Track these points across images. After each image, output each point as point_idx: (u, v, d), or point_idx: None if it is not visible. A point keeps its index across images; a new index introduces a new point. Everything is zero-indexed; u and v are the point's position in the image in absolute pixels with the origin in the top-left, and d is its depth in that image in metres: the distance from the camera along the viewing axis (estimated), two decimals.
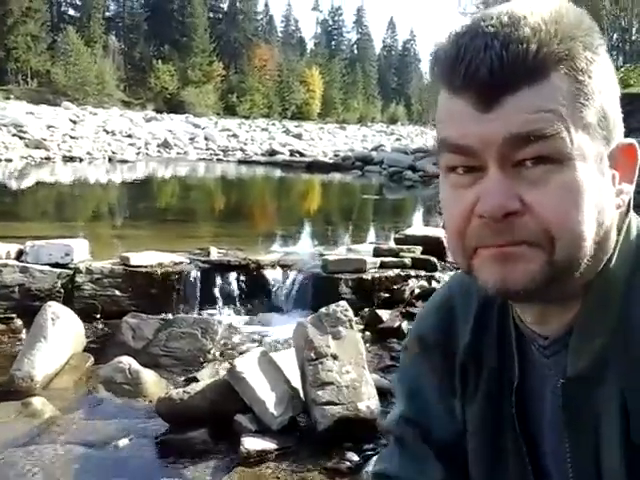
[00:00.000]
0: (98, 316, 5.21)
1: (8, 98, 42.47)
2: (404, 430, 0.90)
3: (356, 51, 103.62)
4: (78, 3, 70.92)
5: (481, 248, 0.67)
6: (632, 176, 0.71)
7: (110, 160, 21.57)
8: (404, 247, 6.11)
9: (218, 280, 5.62)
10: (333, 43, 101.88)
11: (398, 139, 37.10)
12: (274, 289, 5.64)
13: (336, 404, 3.54)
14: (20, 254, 5.39)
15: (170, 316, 5.18)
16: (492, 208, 0.64)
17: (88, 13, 66.61)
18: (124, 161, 21.58)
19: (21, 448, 3.35)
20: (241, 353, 4.49)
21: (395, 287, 5.53)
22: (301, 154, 26.33)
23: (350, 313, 3.93)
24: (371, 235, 9.69)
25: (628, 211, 0.73)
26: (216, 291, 5.58)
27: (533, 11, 0.65)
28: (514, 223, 0.64)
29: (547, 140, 0.63)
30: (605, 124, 0.67)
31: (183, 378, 4.32)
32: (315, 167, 22.17)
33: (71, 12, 72.75)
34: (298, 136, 35.18)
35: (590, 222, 0.65)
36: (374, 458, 2.63)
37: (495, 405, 0.80)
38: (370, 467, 2.84)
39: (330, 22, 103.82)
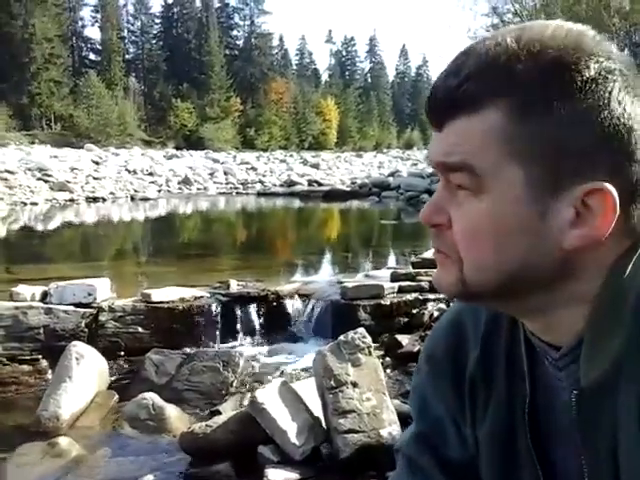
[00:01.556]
0: (122, 353, 5.23)
1: (33, 143, 43.33)
2: (414, 449, 0.89)
3: (370, 79, 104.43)
4: (98, 48, 72.46)
5: None
6: (607, 217, 0.66)
7: (132, 199, 21.81)
8: (421, 271, 6.08)
9: (238, 312, 5.63)
10: (347, 73, 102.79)
11: (414, 164, 37.10)
12: (294, 318, 5.64)
13: (358, 432, 3.51)
14: (45, 295, 5.43)
15: (192, 350, 5.18)
16: (422, 217, 0.71)
17: (108, 57, 67.98)
18: (146, 199, 21.81)
19: None
20: (263, 384, 4.48)
21: (414, 311, 5.50)
22: (319, 183, 26.43)
23: (368, 340, 3.90)
24: (390, 260, 9.67)
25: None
26: (237, 323, 5.59)
27: (495, 44, 0.65)
28: (440, 235, 0.70)
29: (460, 173, 0.66)
30: (553, 165, 0.64)
31: (206, 412, 4.31)
32: (333, 196, 22.25)
33: (92, 56, 74.34)
34: (315, 166, 35.36)
35: (501, 254, 0.67)
36: None
37: (506, 421, 0.79)
38: None
39: (343, 53, 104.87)
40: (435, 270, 0.74)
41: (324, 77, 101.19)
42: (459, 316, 0.87)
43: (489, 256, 0.67)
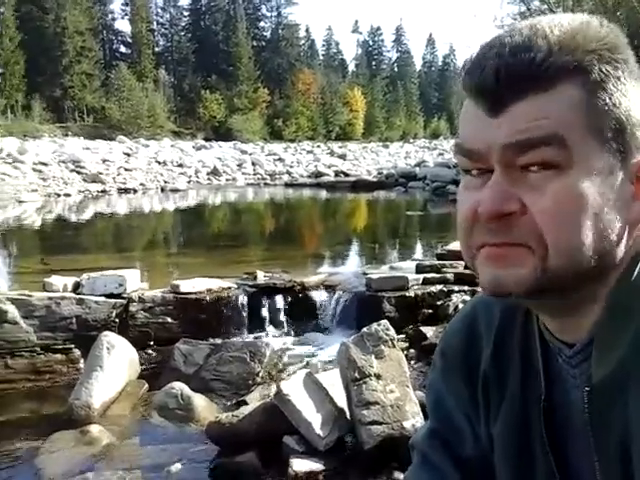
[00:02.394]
0: (151, 343, 5.29)
1: (66, 135, 43.87)
2: (428, 445, 0.89)
3: (396, 69, 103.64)
4: (129, 40, 72.92)
5: (482, 248, 0.68)
6: None
7: (162, 190, 21.99)
8: (446, 263, 6.05)
9: (265, 303, 5.66)
10: (374, 63, 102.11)
11: (441, 154, 36.81)
12: (319, 309, 5.66)
13: (381, 423, 3.52)
14: (77, 286, 5.49)
15: (219, 341, 5.23)
16: (489, 208, 0.65)
17: (138, 49, 68.41)
18: (176, 190, 21.97)
19: (80, 476, 3.42)
20: (289, 375, 4.51)
21: (438, 303, 5.48)
22: (346, 174, 26.39)
23: (392, 332, 3.90)
24: (416, 251, 9.64)
25: None
26: (263, 314, 5.63)
27: (554, 24, 0.66)
28: (511, 224, 0.65)
29: (547, 147, 0.63)
30: (621, 138, 0.66)
31: (233, 401, 4.36)
32: (359, 186, 22.21)
33: (122, 49, 74.88)
34: (342, 157, 35.27)
35: (587, 233, 0.64)
36: None
37: (521, 419, 0.78)
38: None
39: (370, 42, 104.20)
40: (487, 269, 0.67)
41: (351, 67, 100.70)
42: (472, 313, 0.87)
43: (578, 234, 0.64)
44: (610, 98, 0.65)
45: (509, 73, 0.63)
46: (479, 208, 0.66)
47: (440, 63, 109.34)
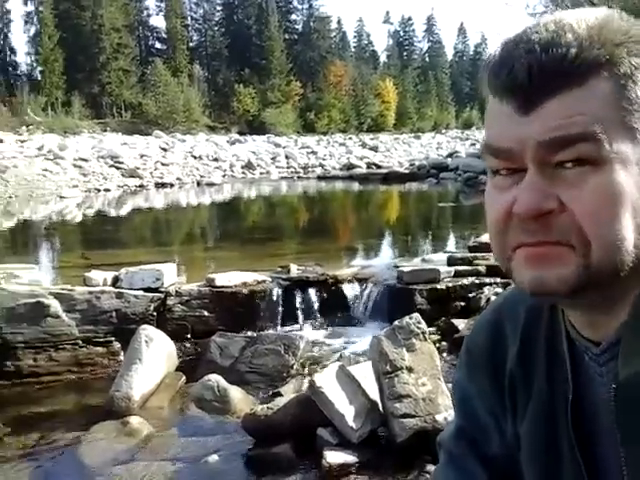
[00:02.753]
0: (188, 336, 5.35)
1: (105, 130, 44.44)
2: (455, 444, 0.89)
3: (428, 59, 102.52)
4: (164, 36, 73.43)
5: (518, 249, 0.66)
6: None
7: (198, 184, 22.16)
8: (478, 255, 6.00)
9: (298, 296, 5.69)
10: (405, 53, 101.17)
11: (473, 144, 36.34)
12: (351, 302, 5.67)
13: (413, 416, 3.52)
14: (116, 280, 5.57)
15: (254, 333, 5.28)
16: (527, 207, 0.63)
17: (173, 45, 68.85)
18: (211, 184, 22.11)
19: (121, 465, 3.50)
20: (322, 367, 4.53)
21: (470, 295, 5.44)
22: (377, 166, 26.26)
23: (423, 325, 3.89)
24: (448, 243, 9.57)
25: None
26: (297, 307, 5.66)
27: (580, 18, 0.65)
28: (549, 223, 0.63)
29: (583, 143, 0.62)
30: None
31: (268, 394, 4.39)
32: (391, 178, 22.09)
33: (157, 45, 75.38)
34: (374, 148, 35.10)
35: (628, 226, 0.63)
36: None
37: (548, 417, 0.78)
38: None
39: (401, 33, 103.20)
40: (526, 270, 0.66)
41: (382, 58, 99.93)
42: (498, 312, 0.86)
43: (620, 228, 0.63)
44: (638, 90, 0.64)
45: (542, 70, 0.62)
46: (515, 208, 0.64)
47: (472, 52, 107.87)
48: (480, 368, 0.86)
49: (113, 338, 5.18)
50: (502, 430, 0.84)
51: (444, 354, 4.65)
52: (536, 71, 0.62)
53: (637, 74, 0.64)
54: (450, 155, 27.19)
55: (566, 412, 0.75)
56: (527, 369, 0.80)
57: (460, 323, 5.02)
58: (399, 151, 34.97)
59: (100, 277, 5.57)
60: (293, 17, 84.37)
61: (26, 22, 62.12)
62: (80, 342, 5.08)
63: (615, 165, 0.63)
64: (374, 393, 3.75)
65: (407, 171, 23.76)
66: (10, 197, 17.21)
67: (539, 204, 0.63)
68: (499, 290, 5.41)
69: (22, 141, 26.34)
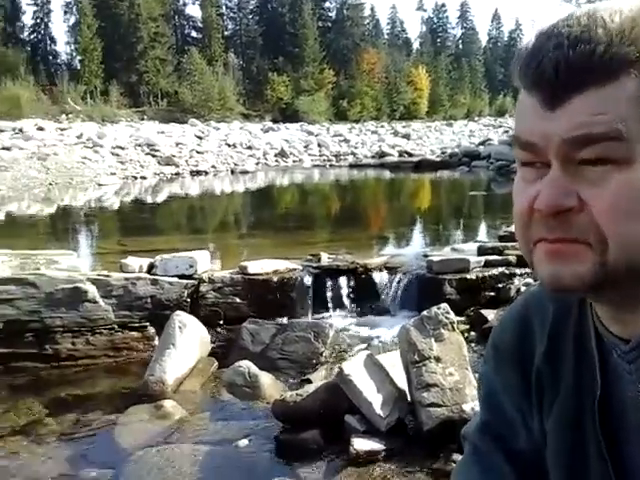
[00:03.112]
0: (221, 322, 5.40)
1: (142, 119, 44.88)
2: (480, 438, 0.89)
3: (461, 46, 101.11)
4: (199, 25, 73.66)
5: (539, 243, 0.66)
6: None
7: (232, 172, 22.22)
8: (509, 245, 5.93)
9: (329, 284, 5.69)
10: (438, 40, 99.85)
11: (506, 131, 35.75)
12: (381, 291, 5.65)
13: (440, 406, 3.52)
14: (151, 267, 5.63)
15: (285, 321, 5.30)
16: (546, 203, 0.63)
17: (209, 34, 69.03)
18: (245, 172, 22.17)
19: (155, 447, 3.57)
20: (351, 355, 4.55)
21: (500, 286, 5.39)
22: (409, 154, 26.01)
23: (452, 315, 3.87)
24: (479, 232, 9.47)
25: None
26: (327, 295, 5.66)
27: (614, 11, 0.63)
28: (569, 220, 0.63)
29: (606, 142, 0.61)
30: None
31: (298, 380, 4.43)
32: (423, 166, 21.86)
33: (193, 34, 75.63)
34: (406, 136, 34.78)
35: None
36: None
37: (575, 414, 0.77)
38: None
39: (435, 20, 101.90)
40: (545, 265, 0.65)
41: (415, 45, 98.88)
42: (525, 308, 0.86)
43: (638, 229, 0.62)
44: None
45: (569, 66, 0.61)
46: (536, 203, 0.64)
47: (506, 39, 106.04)
48: (507, 363, 0.86)
49: (148, 323, 5.25)
50: (528, 426, 0.84)
51: (472, 344, 4.62)
52: (563, 67, 0.61)
53: None
54: (482, 143, 26.82)
55: (593, 410, 0.74)
56: (555, 366, 0.80)
57: (489, 313, 4.98)
58: (431, 139, 34.62)
59: (136, 264, 5.63)
60: (326, 5, 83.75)
61: (65, 12, 63.06)
62: (116, 327, 5.16)
63: (638, 165, 0.61)
64: (402, 382, 3.75)
65: (439, 159, 23.49)
66: (50, 184, 17.50)
67: (559, 201, 0.63)
68: (529, 281, 5.34)
69: (62, 129, 26.72)
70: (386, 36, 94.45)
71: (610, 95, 0.61)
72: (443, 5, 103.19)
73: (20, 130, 24.43)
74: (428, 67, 79.50)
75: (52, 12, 67.33)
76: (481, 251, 5.94)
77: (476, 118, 62.53)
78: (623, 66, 0.61)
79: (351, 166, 24.48)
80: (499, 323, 0.92)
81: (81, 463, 3.45)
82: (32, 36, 65.11)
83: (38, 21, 64.91)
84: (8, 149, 19.97)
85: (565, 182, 0.63)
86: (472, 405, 3.45)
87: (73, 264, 5.60)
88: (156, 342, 5.06)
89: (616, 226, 0.62)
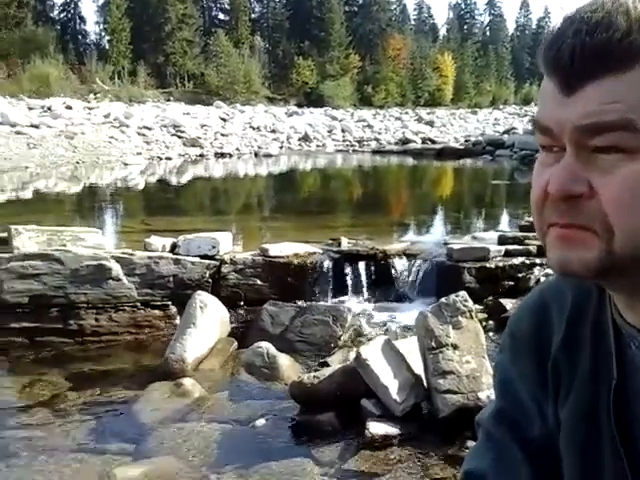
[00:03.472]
0: (241, 303, 5.42)
1: (168, 100, 44.99)
2: (495, 426, 0.88)
3: (488, 33, 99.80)
4: (227, 7, 73.49)
5: (551, 227, 0.66)
6: None
7: (256, 155, 22.20)
8: (530, 234, 5.87)
9: (348, 269, 5.68)
10: (465, 27, 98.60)
11: (531, 120, 35.28)
12: (400, 278, 5.64)
13: (456, 393, 3.52)
14: (174, 247, 5.65)
15: (305, 303, 5.32)
16: (556, 188, 0.63)
17: (236, 16, 68.82)
18: (268, 155, 22.14)
19: (173, 424, 3.62)
20: (369, 339, 4.55)
21: (519, 275, 5.35)
22: (432, 141, 25.81)
23: (470, 303, 3.86)
24: (501, 222, 9.39)
25: None
26: (346, 280, 5.66)
27: None
28: (578, 206, 0.63)
29: (619, 131, 0.61)
30: None
31: (315, 363, 4.45)
32: (446, 154, 21.65)
33: (221, 16, 75.48)
34: (430, 123, 34.48)
35: None
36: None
37: (590, 405, 0.77)
38: None
39: (462, 6, 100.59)
40: (555, 250, 0.66)
41: (442, 32, 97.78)
42: (544, 297, 0.85)
43: None
44: None
45: (584, 53, 0.61)
46: (548, 187, 0.64)
47: (534, 26, 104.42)
48: (523, 351, 0.85)
49: (170, 302, 5.29)
50: (543, 414, 0.83)
51: (490, 333, 4.60)
52: (578, 54, 0.61)
53: None
54: (507, 132, 26.51)
55: (608, 400, 0.74)
56: (572, 354, 0.79)
57: (508, 303, 4.95)
58: (455, 126, 34.29)
59: (159, 243, 5.67)
60: None
61: None
62: (139, 304, 5.21)
63: None
64: (419, 368, 3.75)
65: (462, 147, 23.24)
66: (77, 162, 17.65)
67: (568, 186, 0.63)
68: (549, 271, 5.29)
69: (90, 108, 26.91)
70: (413, 22, 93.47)
71: (625, 84, 0.60)
72: None
73: (49, 108, 24.65)
74: (454, 54, 78.57)
75: None
76: (501, 240, 5.89)
77: (501, 106, 61.73)
78: (639, 55, 0.60)
79: (374, 152, 24.35)
80: (516, 311, 0.91)
81: (101, 436, 3.51)
82: (62, 15, 65.47)
83: (68, 0, 65.17)
84: (37, 127, 20.17)
85: (577, 168, 0.63)
86: (488, 393, 3.45)
87: (98, 242, 5.65)
88: (177, 321, 5.10)
89: (623, 216, 0.62)
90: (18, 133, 19.01)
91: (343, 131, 29.33)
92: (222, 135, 24.60)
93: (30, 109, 24.25)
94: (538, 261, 5.42)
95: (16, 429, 3.57)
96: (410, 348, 3.89)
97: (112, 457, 3.27)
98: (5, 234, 5.40)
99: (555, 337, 0.81)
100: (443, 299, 3.84)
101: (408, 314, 5.01)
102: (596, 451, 0.76)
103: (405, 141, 26.13)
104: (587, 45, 0.60)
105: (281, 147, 24.69)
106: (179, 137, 22.86)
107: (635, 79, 0.60)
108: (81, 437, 3.49)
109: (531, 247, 5.62)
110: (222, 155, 21.42)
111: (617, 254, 0.63)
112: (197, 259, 5.50)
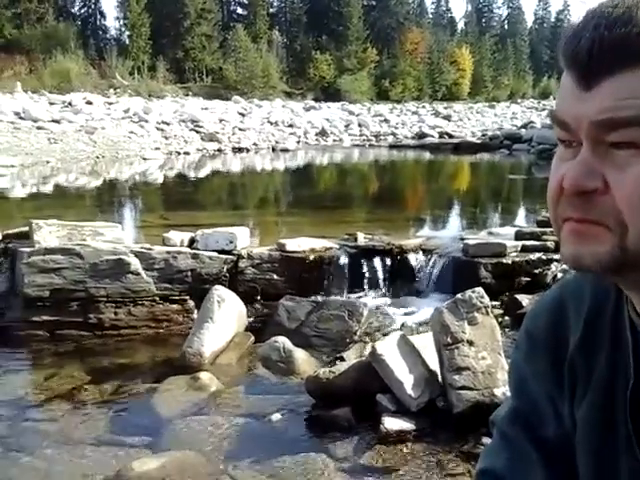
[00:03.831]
0: (258, 298, 5.42)
1: (187, 95, 45.13)
2: (510, 426, 0.88)
3: (507, 26, 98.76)
4: (245, 2, 73.45)
5: (566, 222, 0.66)
6: None
7: (273, 149, 22.17)
8: (547, 230, 5.82)
9: (364, 264, 5.67)
10: (483, 20, 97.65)
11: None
12: (416, 273, 5.62)
13: (472, 389, 3.51)
14: (192, 241, 5.67)
15: (321, 298, 5.32)
16: (570, 182, 0.63)
17: (254, 11, 68.69)
18: (286, 150, 22.11)
19: (190, 417, 3.64)
20: (384, 335, 4.55)
21: (536, 271, 5.30)
22: (450, 135, 25.63)
23: (486, 299, 3.83)
24: (518, 217, 9.32)
25: None
26: (362, 275, 5.65)
27: None
28: (592, 201, 0.63)
29: (635, 127, 0.60)
30: None
31: (331, 357, 4.45)
32: (463, 148, 21.49)
33: (239, 11, 75.37)
34: (447, 117, 34.25)
35: None
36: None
37: (606, 405, 0.76)
38: None
39: None
40: (568, 244, 0.66)
41: (460, 25, 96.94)
42: (561, 296, 0.84)
43: None
44: None
45: (602, 48, 0.60)
46: (563, 182, 0.64)
47: (553, 19, 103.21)
48: (539, 350, 0.84)
49: (188, 296, 5.32)
50: (559, 413, 0.82)
51: (506, 329, 4.57)
52: (597, 48, 0.61)
53: None
54: (524, 126, 26.28)
55: (625, 401, 0.73)
56: (589, 353, 0.78)
57: (524, 299, 4.91)
58: (472, 121, 34.04)
59: (177, 238, 5.69)
60: None
61: None
62: (157, 299, 5.24)
63: None
64: (434, 364, 3.74)
65: (479, 141, 23.06)
66: (97, 157, 17.78)
67: (582, 181, 0.62)
68: (566, 267, 5.25)
69: (110, 103, 27.09)
70: (430, 15, 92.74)
71: None
72: None
73: (69, 103, 24.85)
74: (472, 47, 77.94)
75: None
76: (518, 236, 5.85)
77: (519, 100, 61.13)
78: None
79: (391, 146, 24.23)
80: (532, 309, 0.90)
81: (119, 429, 3.54)
82: (82, 10, 65.70)
83: None
84: (58, 122, 20.33)
85: (593, 163, 0.63)
86: (503, 390, 3.43)
87: (117, 236, 5.69)
88: (195, 315, 5.13)
89: (635, 213, 0.61)
90: (39, 128, 19.17)
91: (360, 126, 29.24)
92: (240, 130, 24.62)
93: (51, 104, 24.45)
94: (555, 257, 5.37)
95: (36, 422, 3.62)
96: (425, 343, 3.88)
97: (130, 450, 3.31)
98: (26, 228, 5.46)
99: (572, 336, 0.80)
100: (459, 295, 3.82)
101: (424, 309, 5.00)
102: (612, 451, 0.75)
103: (422, 135, 25.98)
104: (605, 39, 0.60)
105: (298, 142, 24.64)
106: (197, 132, 22.91)
107: None
108: (100, 430, 3.53)
109: (548, 243, 5.57)
110: (240, 150, 21.43)
111: (630, 250, 0.62)
112: (215, 254, 5.51)
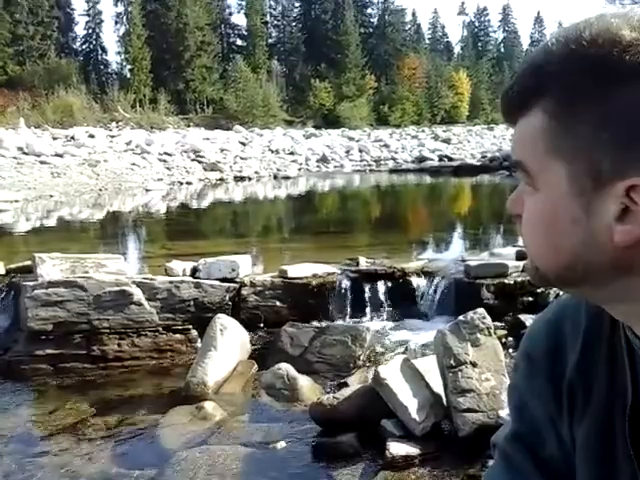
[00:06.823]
0: (261, 325, 5.41)
1: (188, 126, 45.47)
2: (510, 446, 0.87)
3: (503, 49, 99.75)
4: (244, 33, 74.27)
5: None
6: None
7: (275, 177, 22.27)
8: None
9: (366, 288, 5.66)
10: (480, 44, 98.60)
11: None
12: (418, 296, 5.60)
13: (476, 411, 3.48)
14: (194, 271, 5.68)
15: (324, 324, 5.30)
16: (506, 207, 0.71)
17: (253, 42, 69.49)
18: (287, 177, 22.21)
19: (195, 448, 3.61)
20: (387, 359, 4.53)
21: (538, 291, 5.28)
22: (449, 158, 25.74)
23: (488, 320, 3.83)
24: (518, 237, 9.30)
25: None
26: (365, 299, 5.64)
27: (546, 45, 0.66)
28: (518, 223, 0.70)
29: (519, 169, 0.67)
30: (594, 159, 0.62)
31: (335, 383, 4.43)
32: (462, 170, 21.59)
33: (238, 42, 76.19)
34: (446, 140, 34.42)
35: (552, 245, 0.66)
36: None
37: (605, 426, 0.76)
38: None
39: (476, 24, 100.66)
40: None
41: (456, 50, 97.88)
42: (558, 316, 0.84)
43: (542, 247, 0.67)
44: (578, 121, 0.62)
45: (508, 92, 0.67)
46: None
47: None
48: (538, 371, 0.84)
49: (191, 326, 5.31)
50: (559, 434, 0.82)
51: (510, 350, 4.54)
52: (507, 93, 0.68)
53: (571, 105, 0.63)
54: None
55: (624, 419, 0.73)
56: (588, 373, 0.78)
57: (527, 319, 4.88)
58: (471, 143, 34.20)
59: (180, 267, 5.71)
60: (369, 11, 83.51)
61: (116, 22, 63.96)
62: (160, 329, 5.24)
63: (543, 191, 0.65)
64: (438, 386, 3.72)
65: (479, 163, 23.18)
66: (100, 190, 17.87)
67: (510, 206, 0.70)
68: None
69: (112, 136, 27.27)
70: (427, 41, 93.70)
71: (523, 127, 0.66)
72: (485, 9, 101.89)
73: (72, 137, 25.03)
74: (469, 71, 78.65)
75: (103, 23, 68.81)
76: (519, 255, 5.83)
77: None
78: (532, 99, 0.64)
79: (391, 171, 24.33)
80: (530, 330, 0.90)
81: (124, 462, 3.52)
82: (84, 46, 66.58)
83: (90, 31, 66.36)
84: (61, 156, 20.48)
85: (520, 192, 0.69)
86: (508, 411, 3.40)
87: (120, 267, 5.71)
88: (198, 344, 5.11)
89: (527, 238, 0.69)
90: (43, 162, 19.31)
91: (360, 151, 29.38)
92: (241, 159, 24.76)
93: (54, 139, 24.64)
94: None
95: (41, 456, 3.59)
96: (429, 367, 3.87)
97: None
98: (30, 262, 5.48)
99: (570, 357, 0.80)
100: (461, 317, 3.81)
101: (427, 332, 4.97)
102: (612, 470, 0.75)
103: (422, 159, 26.09)
104: (515, 85, 0.66)
105: (299, 169, 24.74)
106: (199, 162, 23.04)
107: (528, 124, 0.65)
108: (105, 463, 3.51)
109: None
110: (242, 178, 21.53)
111: (540, 270, 0.68)
112: (217, 282, 5.52)
